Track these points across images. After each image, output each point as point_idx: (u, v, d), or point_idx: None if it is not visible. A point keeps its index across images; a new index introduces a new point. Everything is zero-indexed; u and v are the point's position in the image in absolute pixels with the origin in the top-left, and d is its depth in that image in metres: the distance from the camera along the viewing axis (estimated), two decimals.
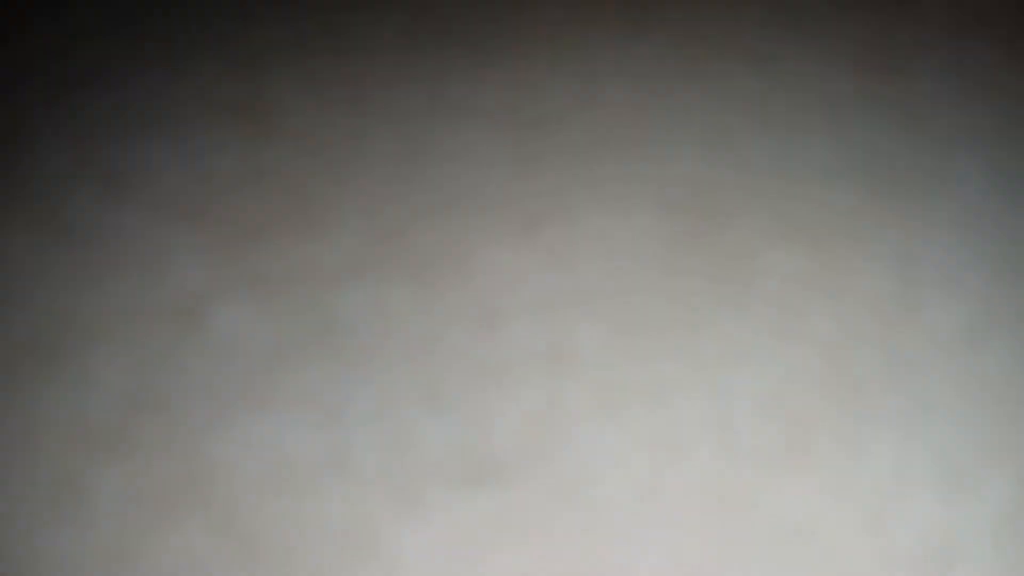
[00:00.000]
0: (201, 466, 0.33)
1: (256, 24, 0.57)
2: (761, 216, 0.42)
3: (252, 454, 0.33)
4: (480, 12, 0.56)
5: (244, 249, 0.42)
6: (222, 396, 0.36)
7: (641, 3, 0.54)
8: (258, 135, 0.49)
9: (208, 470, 0.33)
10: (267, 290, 0.39)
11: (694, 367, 0.35)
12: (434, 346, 0.37)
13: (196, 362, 0.37)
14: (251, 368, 0.36)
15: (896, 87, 0.49)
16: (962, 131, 0.46)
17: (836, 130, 0.47)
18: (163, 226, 0.43)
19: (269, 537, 0.31)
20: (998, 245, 0.40)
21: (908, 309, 0.37)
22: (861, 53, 0.51)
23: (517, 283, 0.39)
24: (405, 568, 0.30)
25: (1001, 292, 0.37)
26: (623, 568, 0.30)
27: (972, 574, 0.30)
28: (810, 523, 0.30)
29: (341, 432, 0.34)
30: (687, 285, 0.39)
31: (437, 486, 0.32)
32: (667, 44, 0.52)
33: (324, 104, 0.50)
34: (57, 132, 0.49)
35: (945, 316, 0.36)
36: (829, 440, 0.32)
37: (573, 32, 0.53)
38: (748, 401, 0.34)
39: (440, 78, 0.52)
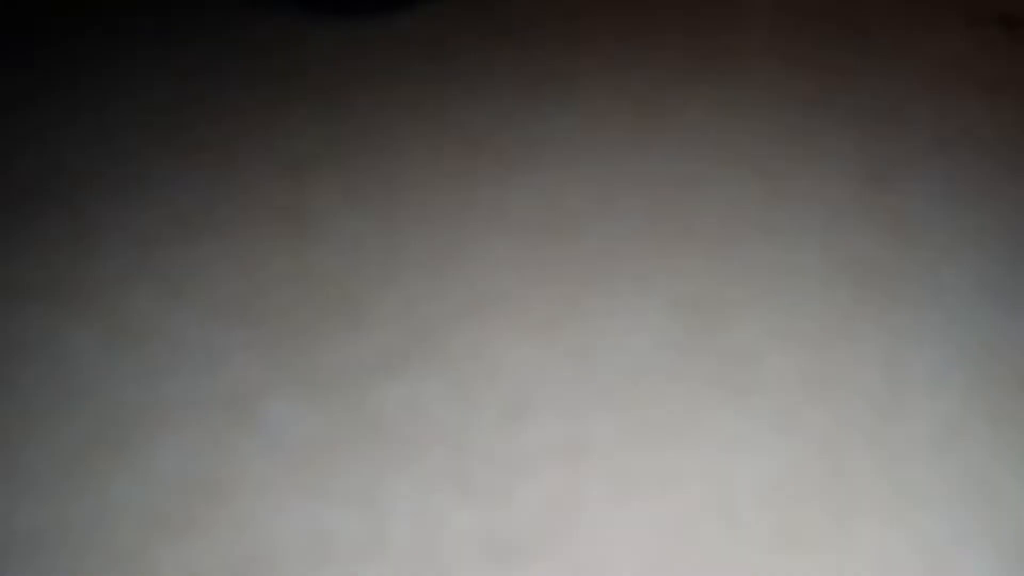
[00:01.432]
0: (252, 546, 0.37)
1: (297, 133, 0.62)
2: (763, 316, 0.45)
3: (298, 535, 0.37)
4: (504, 122, 0.61)
5: (291, 345, 0.46)
6: (271, 482, 0.39)
7: (656, 112, 0.59)
8: (301, 237, 0.53)
9: (259, 550, 0.36)
10: (312, 384, 0.43)
11: (700, 456, 0.38)
12: (463, 436, 0.41)
13: (248, 451, 0.41)
14: (297, 456, 0.40)
15: (889, 198, 0.53)
16: (951, 240, 0.50)
17: (833, 238, 0.50)
18: (216, 323, 0.47)
19: None
20: (981, 348, 0.43)
21: (896, 405, 0.40)
22: (857, 166, 0.55)
23: (539, 378, 0.43)
24: None
25: (982, 391, 0.41)
26: None
27: None
28: None
29: (378, 515, 0.37)
30: (694, 381, 0.42)
31: (464, 565, 0.35)
32: (679, 152, 0.57)
33: (361, 208, 0.54)
34: (118, 234, 0.54)
35: (930, 412, 0.39)
36: (822, 525, 0.35)
37: (591, 139, 0.58)
38: (749, 488, 0.37)
39: (469, 184, 0.56)
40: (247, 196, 0.56)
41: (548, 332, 0.46)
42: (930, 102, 0.60)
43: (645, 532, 0.36)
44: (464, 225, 0.53)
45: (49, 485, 0.40)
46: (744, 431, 0.39)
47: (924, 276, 0.47)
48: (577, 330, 0.46)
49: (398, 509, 0.37)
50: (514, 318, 0.47)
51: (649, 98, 0.61)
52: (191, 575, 0.36)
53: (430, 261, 0.51)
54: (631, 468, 0.38)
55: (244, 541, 0.37)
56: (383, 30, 0.72)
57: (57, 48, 0.72)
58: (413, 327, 0.47)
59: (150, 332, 0.47)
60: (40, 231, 0.53)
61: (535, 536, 0.36)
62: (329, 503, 0.38)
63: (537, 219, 0.53)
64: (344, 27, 0.72)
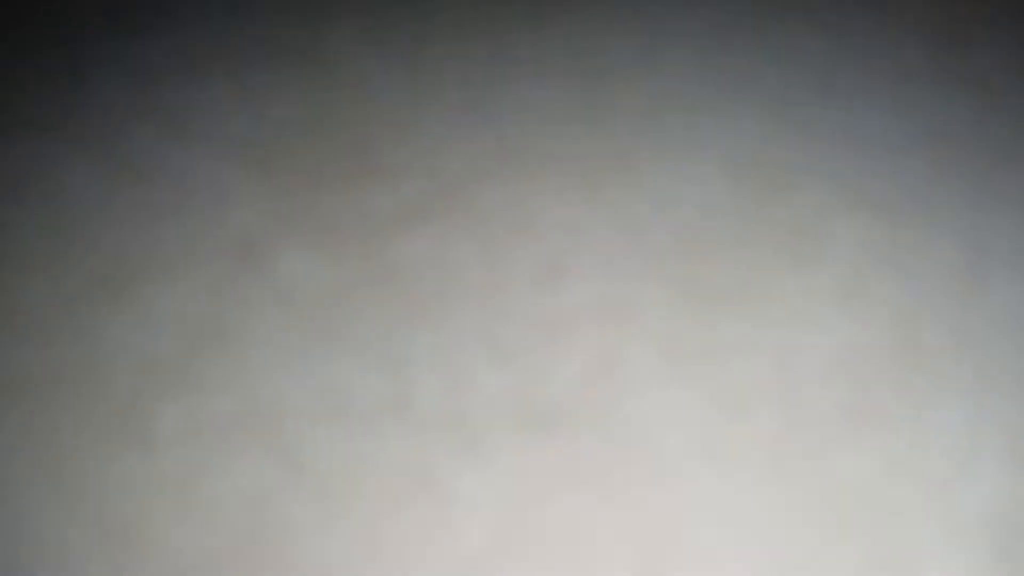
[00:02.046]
0: (262, 402, 0.33)
1: None
2: (828, 183, 0.41)
3: (312, 392, 0.34)
4: None
5: (305, 192, 0.42)
6: (283, 336, 0.36)
7: None
8: (319, 81, 0.48)
9: (268, 406, 0.33)
10: (328, 233, 0.40)
11: (757, 329, 0.35)
12: (495, 296, 0.37)
13: (257, 301, 0.37)
14: (312, 309, 0.37)
15: (967, 62, 0.48)
16: None
17: (904, 102, 0.46)
18: (224, 166, 0.43)
19: (329, 471, 0.31)
20: None
21: (975, 280, 0.36)
22: (931, 25, 0.50)
23: (578, 238, 0.39)
24: (461, 505, 0.30)
25: None
26: (678, 521, 0.30)
27: None
28: (872, 489, 0.30)
29: (401, 375, 0.34)
30: (751, 248, 0.38)
31: (495, 430, 0.32)
32: (732, 6, 0.52)
33: (384, 54, 0.50)
34: (117, 71, 0.49)
35: (1013, 287, 0.36)
36: (893, 407, 0.32)
37: None
38: (811, 365, 0.33)
39: (502, 32, 0.52)
40: (259, 34, 0.51)
41: (588, 189, 0.42)
42: None
43: (694, 405, 0.32)
44: (495, 72, 0.49)
45: (44, 328, 0.37)
46: (807, 303, 0.35)
47: (1005, 144, 0.43)
48: (621, 188, 0.41)
49: (421, 368, 0.34)
50: (550, 173, 0.43)
51: None
52: (190, 427, 0.33)
53: (457, 110, 0.47)
54: (679, 336, 0.35)
55: (249, 394, 0.34)
56: None
57: None
58: (438, 179, 0.43)
59: (152, 172, 0.43)
60: (33, 63, 0.49)
61: (573, 402, 0.32)
62: (345, 358, 0.34)
63: (577, 68, 0.48)
64: None
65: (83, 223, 0.41)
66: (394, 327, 0.36)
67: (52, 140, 0.45)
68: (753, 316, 0.35)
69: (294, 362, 0.34)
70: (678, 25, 0.51)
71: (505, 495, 0.30)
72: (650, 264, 0.38)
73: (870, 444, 0.31)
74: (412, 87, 0.47)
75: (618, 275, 0.37)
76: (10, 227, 0.41)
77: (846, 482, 0.30)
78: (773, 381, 0.33)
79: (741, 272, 0.37)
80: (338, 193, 0.41)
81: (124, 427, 0.33)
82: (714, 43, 0.49)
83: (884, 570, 0.30)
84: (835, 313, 0.35)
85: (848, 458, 0.31)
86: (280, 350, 0.35)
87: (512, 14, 0.53)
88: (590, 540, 0.30)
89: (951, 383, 0.32)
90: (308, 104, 0.46)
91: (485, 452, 0.31)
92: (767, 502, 0.30)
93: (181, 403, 0.33)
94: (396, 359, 0.34)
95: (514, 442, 0.31)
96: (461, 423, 0.32)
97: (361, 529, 0.30)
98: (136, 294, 0.38)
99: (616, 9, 0.52)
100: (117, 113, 0.46)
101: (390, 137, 0.44)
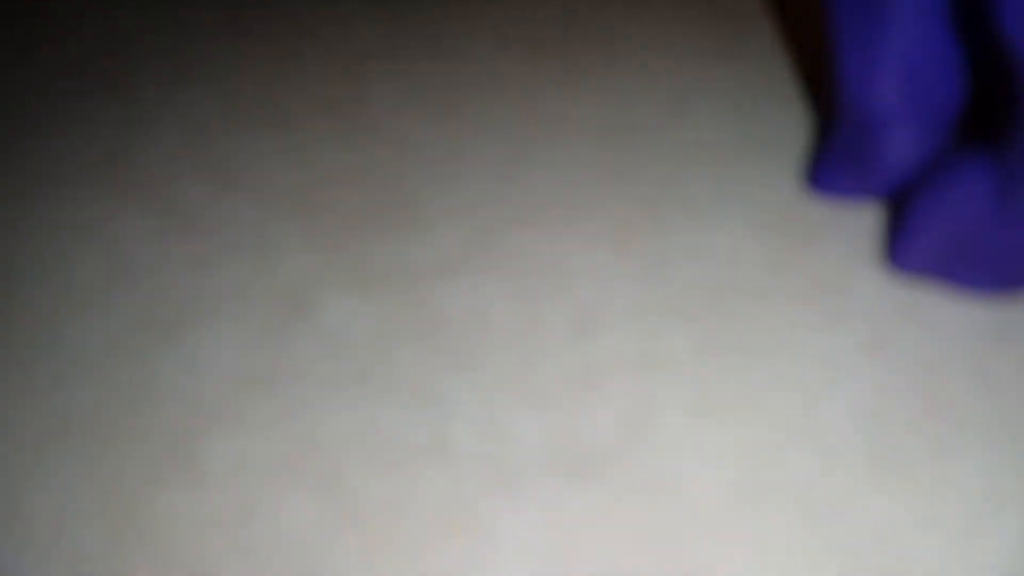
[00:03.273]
0: (306, 443, 0.35)
1: (354, 29, 0.59)
2: (850, 237, 0.42)
3: (354, 434, 0.35)
4: (574, 27, 0.58)
5: (347, 241, 0.43)
6: (327, 379, 0.37)
7: (730, 28, 0.55)
8: (358, 133, 0.50)
9: (312, 447, 0.35)
10: (370, 281, 0.41)
11: (786, 376, 0.36)
12: (529, 344, 0.38)
13: (302, 346, 0.39)
14: (355, 354, 0.38)
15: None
16: None
17: None
18: (271, 216, 0.45)
19: (371, 510, 0.32)
20: None
21: (999, 330, 0.37)
22: None
23: (611, 289, 0.40)
24: (498, 546, 0.31)
25: None
26: (710, 565, 0.31)
27: None
28: (898, 533, 0.31)
29: (440, 418, 0.35)
30: (779, 298, 0.40)
31: (531, 474, 0.33)
32: (753, 68, 0.53)
33: (423, 112, 0.52)
34: (171, 121, 0.51)
35: None
36: (919, 454, 0.33)
37: (662, 49, 0.54)
38: (840, 413, 0.34)
39: (535, 91, 0.53)
40: (304, 91, 0.53)
41: (620, 241, 0.43)
42: None
43: (726, 452, 0.33)
44: (529, 128, 0.51)
45: (94, 367, 0.38)
46: (834, 352, 0.37)
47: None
48: (651, 239, 0.43)
49: (461, 414, 0.35)
50: (583, 225, 0.44)
51: (735, 8, 0.57)
52: (238, 469, 0.34)
53: (492, 164, 0.48)
54: (711, 385, 0.36)
55: (294, 437, 0.35)
56: None
57: None
58: (474, 231, 0.44)
59: (203, 220, 0.45)
60: (92, 114, 0.51)
61: (607, 450, 0.33)
62: (386, 401, 0.36)
63: (608, 124, 0.50)
64: None
65: (136, 269, 0.43)
66: (433, 372, 0.37)
67: (106, 189, 0.47)
68: (781, 365, 0.36)
69: (338, 404, 0.36)
70: (701, 82, 0.52)
71: (541, 535, 0.31)
72: (680, 314, 0.39)
73: (895, 491, 0.31)
74: (449, 144, 0.49)
75: (648, 325, 0.39)
76: (66, 272, 0.43)
77: (872, 527, 0.31)
78: (801, 428, 0.34)
79: (769, 322, 0.38)
80: (380, 244, 0.43)
81: (173, 466, 0.34)
82: (736, 100, 0.51)
83: None
84: (861, 361, 0.36)
85: (876, 503, 0.32)
86: (325, 392, 0.36)
87: (544, 74, 0.55)
88: None
89: (974, 431, 0.33)
90: (351, 159, 0.48)
91: (522, 495, 0.32)
92: (799, 546, 0.31)
93: (229, 443, 0.35)
94: (435, 403, 0.36)
95: (549, 485, 0.32)
96: (499, 466, 0.33)
97: (403, 566, 0.31)
98: (186, 337, 0.39)
99: (647, 62, 0.54)
100: (169, 165, 0.48)
101: (429, 191, 0.46)
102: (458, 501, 0.32)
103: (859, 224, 0.43)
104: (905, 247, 0.23)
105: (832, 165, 0.25)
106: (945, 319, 0.38)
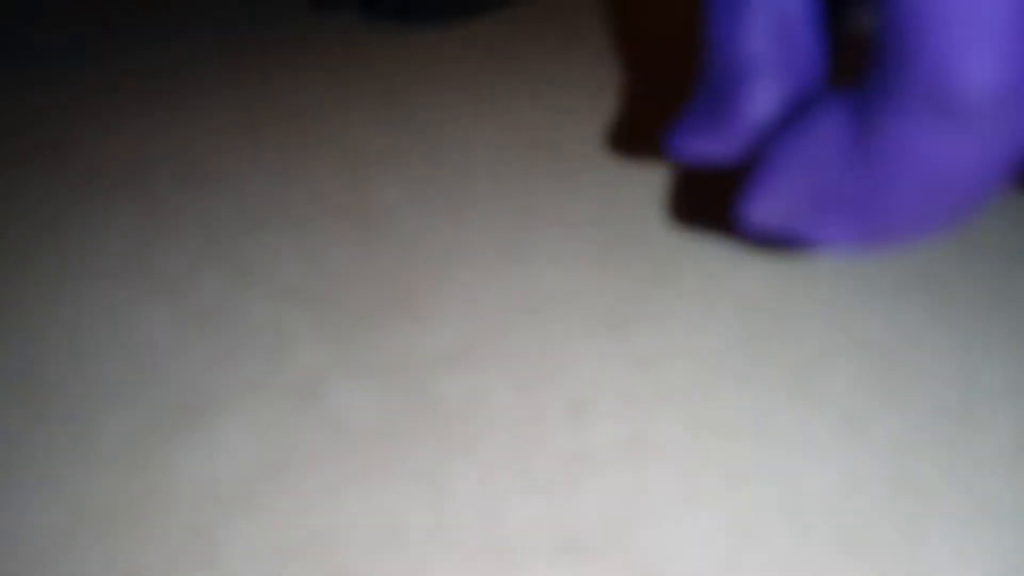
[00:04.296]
0: (317, 527, 0.37)
1: (362, 133, 0.62)
2: (829, 324, 0.45)
3: (362, 518, 0.37)
4: (570, 124, 0.61)
5: (355, 334, 0.46)
6: (336, 465, 0.40)
7: None
8: (367, 235, 0.53)
9: (323, 531, 0.37)
10: (376, 371, 0.44)
11: (766, 462, 0.38)
12: (527, 429, 0.41)
13: (313, 434, 0.41)
14: (363, 441, 0.40)
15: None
16: (1020, 252, 0.49)
17: (896, 249, 0.50)
18: (283, 310, 0.48)
19: None
20: None
21: (968, 413, 0.39)
22: None
23: (604, 376, 0.43)
24: None
25: None
26: None
27: None
28: None
29: (442, 502, 0.37)
30: (762, 384, 0.42)
31: (532, 557, 0.35)
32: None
33: (425, 211, 0.55)
34: (188, 222, 0.55)
35: (1004, 420, 0.39)
36: (890, 534, 0.35)
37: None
38: (816, 494, 0.37)
39: (531, 189, 0.57)
40: (313, 192, 0.57)
41: (612, 330, 0.46)
42: None
43: (712, 532, 0.35)
44: (528, 224, 0.54)
45: (114, 458, 0.40)
46: (812, 436, 0.39)
47: (993, 288, 0.47)
48: (643, 330, 0.46)
49: (462, 497, 0.37)
50: (578, 316, 0.47)
51: None
52: (253, 555, 0.36)
53: (492, 259, 0.51)
54: (697, 470, 0.38)
55: (307, 523, 0.37)
56: (447, 32, 0.72)
57: (135, 45, 0.73)
58: (474, 322, 0.47)
59: (218, 315, 0.48)
60: (112, 214, 0.55)
61: (602, 531, 0.36)
62: (392, 487, 0.38)
63: (603, 219, 0.53)
64: (407, 29, 0.73)
65: (156, 361, 0.45)
66: (436, 457, 0.39)
67: (129, 285, 0.50)
68: (762, 449, 0.39)
69: (348, 491, 0.38)
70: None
71: None
72: (669, 400, 0.42)
73: (869, 570, 0.33)
74: (450, 240, 0.52)
75: (640, 410, 0.41)
76: (90, 364, 0.45)
77: None
78: (780, 510, 0.36)
79: (751, 407, 0.41)
80: (385, 336, 0.46)
81: (192, 550, 0.36)
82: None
83: None
84: (836, 446, 0.38)
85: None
86: (335, 479, 0.38)
87: (542, 168, 0.58)
88: None
89: (945, 513, 0.35)
90: (358, 255, 0.51)
91: (519, 574, 0.34)
92: None
93: (245, 529, 0.37)
94: (438, 487, 0.38)
95: (546, 567, 0.34)
96: (499, 549, 0.35)
97: None
98: (204, 427, 0.42)
99: (633, 168, 0.58)
100: (187, 262, 0.51)
101: (431, 285, 0.49)
102: None
103: (835, 310, 0.45)
104: (756, 201, 0.22)
105: (690, 127, 0.25)
106: (915, 399, 0.40)
